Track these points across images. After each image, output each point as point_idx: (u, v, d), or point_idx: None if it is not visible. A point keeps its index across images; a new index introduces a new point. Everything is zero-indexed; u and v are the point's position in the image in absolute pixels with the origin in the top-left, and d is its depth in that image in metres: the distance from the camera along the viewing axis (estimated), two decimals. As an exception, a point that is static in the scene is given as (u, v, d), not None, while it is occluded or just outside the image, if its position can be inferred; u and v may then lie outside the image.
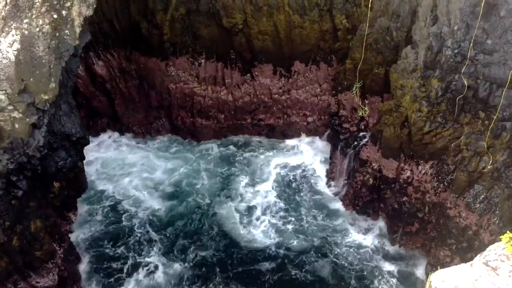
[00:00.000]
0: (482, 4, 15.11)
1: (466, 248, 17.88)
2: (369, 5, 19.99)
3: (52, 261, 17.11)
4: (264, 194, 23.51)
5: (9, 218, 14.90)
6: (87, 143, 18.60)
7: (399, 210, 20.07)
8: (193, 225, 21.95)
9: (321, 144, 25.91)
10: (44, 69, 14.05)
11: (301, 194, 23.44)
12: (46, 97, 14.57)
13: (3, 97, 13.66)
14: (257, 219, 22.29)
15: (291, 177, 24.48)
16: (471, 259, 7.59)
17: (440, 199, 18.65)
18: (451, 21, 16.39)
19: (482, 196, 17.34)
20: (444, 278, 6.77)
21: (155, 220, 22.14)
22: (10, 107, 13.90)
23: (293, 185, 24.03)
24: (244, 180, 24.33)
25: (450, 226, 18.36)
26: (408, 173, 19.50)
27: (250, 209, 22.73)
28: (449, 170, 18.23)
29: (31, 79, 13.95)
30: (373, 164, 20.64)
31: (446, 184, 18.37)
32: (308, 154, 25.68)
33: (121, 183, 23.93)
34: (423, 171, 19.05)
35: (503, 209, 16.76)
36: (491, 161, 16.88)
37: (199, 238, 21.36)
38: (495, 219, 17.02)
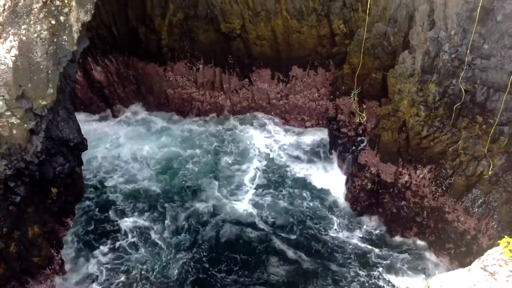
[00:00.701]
0: (479, 9, 15.17)
1: (465, 252, 17.89)
2: (367, 10, 20.04)
3: (50, 267, 17.06)
4: (252, 171, 23.61)
5: (6, 224, 14.85)
6: (85, 148, 18.55)
7: (397, 214, 20.06)
8: (180, 201, 22.06)
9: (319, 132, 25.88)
10: (42, 75, 14.05)
11: (292, 178, 23.46)
12: (44, 102, 14.55)
13: (0, 103, 13.63)
14: (245, 193, 22.52)
15: (283, 158, 24.55)
16: (470, 263, 7.58)
17: (438, 203, 18.66)
18: (448, 25, 16.44)
19: (480, 200, 17.37)
20: (442, 283, 6.77)
21: (139, 194, 22.22)
22: (8, 113, 13.88)
23: (285, 167, 24.00)
24: (233, 157, 24.36)
25: (448, 230, 18.37)
26: (406, 177, 19.52)
27: (239, 186, 22.88)
28: (447, 174, 18.25)
29: (29, 85, 13.94)
30: (371, 169, 20.65)
31: (444, 188, 18.39)
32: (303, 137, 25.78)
33: (108, 157, 23.90)
34: (421, 176, 19.06)
35: (501, 213, 16.78)
36: (491, 166, 16.89)
37: (186, 212, 21.54)
38: (493, 223, 17.05)
